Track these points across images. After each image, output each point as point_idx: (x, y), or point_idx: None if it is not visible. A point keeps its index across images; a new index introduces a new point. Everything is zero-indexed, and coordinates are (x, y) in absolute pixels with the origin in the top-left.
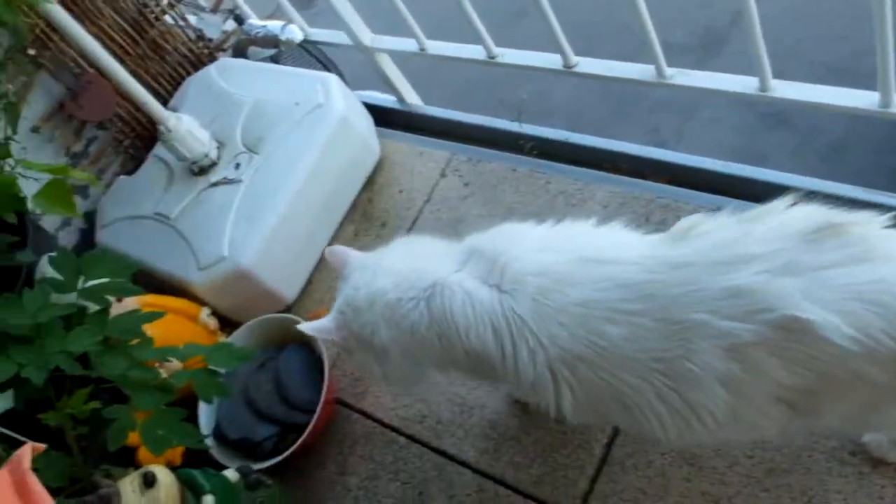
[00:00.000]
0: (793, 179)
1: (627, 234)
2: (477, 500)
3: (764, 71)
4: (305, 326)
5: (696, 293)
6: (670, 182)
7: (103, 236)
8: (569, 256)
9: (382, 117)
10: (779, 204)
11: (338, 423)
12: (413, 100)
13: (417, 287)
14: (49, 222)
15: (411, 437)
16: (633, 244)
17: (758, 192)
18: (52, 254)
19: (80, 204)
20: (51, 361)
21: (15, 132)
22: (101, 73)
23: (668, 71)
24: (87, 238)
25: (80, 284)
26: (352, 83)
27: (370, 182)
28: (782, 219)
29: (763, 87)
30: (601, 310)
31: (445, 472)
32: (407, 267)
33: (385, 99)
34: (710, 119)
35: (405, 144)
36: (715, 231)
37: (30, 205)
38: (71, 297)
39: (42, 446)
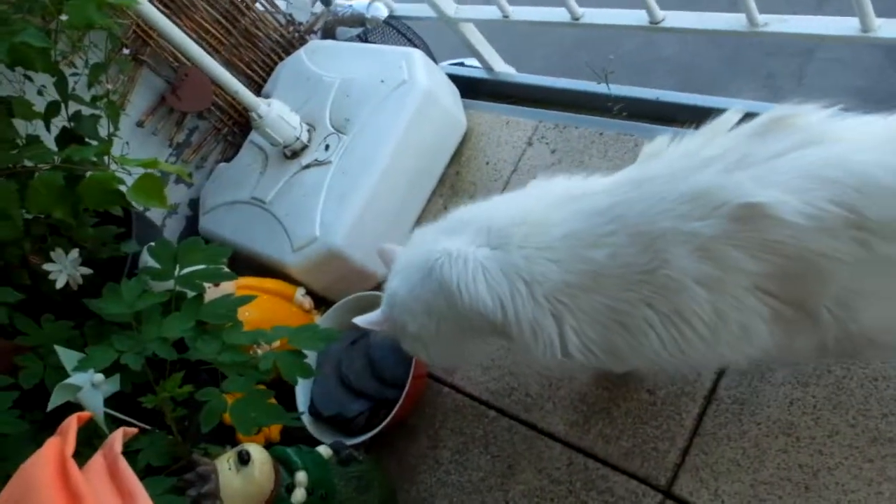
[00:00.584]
0: None
1: (601, 177)
2: (566, 473)
3: (865, 11)
4: (359, 320)
5: (660, 203)
6: None
7: (206, 222)
8: (546, 203)
9: (471, 88)
10: (730, 114)
11: (429, 397)
12: (501, 68)
13: (421, 271)
14: (156, 212)
15: (501, 411)
16: (605, 180)
17: None
18: (152, 244)
19: (185, 192)
20: (148, 348)
21: (117, 129)
22: (195, 65)
23: (762, 18)
24: (192, 225)
25: (176, 272)
26: (446, 54)
27: (457, 154)
28: (728, 124)
29: (865, 27)
30: (582, 238)
31: (535, 445)
32: (411, 259)
33: (472, 69)
34: (831, 59)
35: (491, 115)
36: (675, 148)
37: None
38: (168, 285)
39: (134, 430)
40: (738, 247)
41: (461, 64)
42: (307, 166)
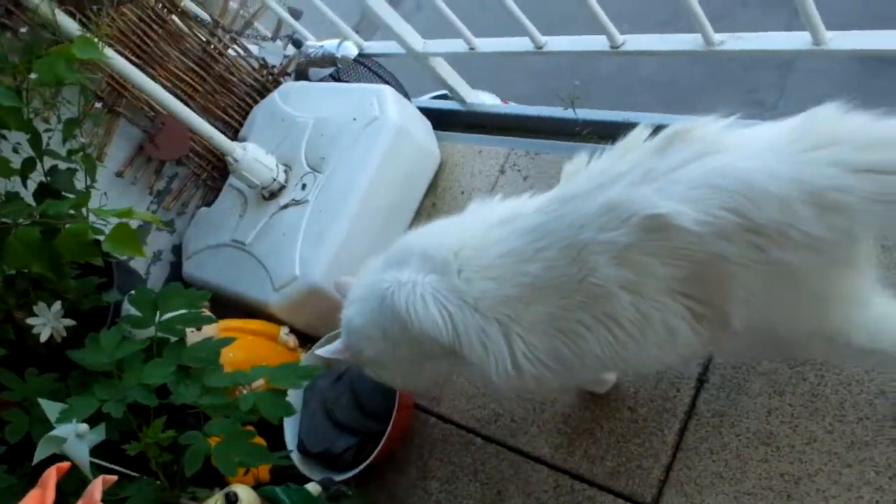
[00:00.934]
0: None
1: (529, 199)
2: (554, 496)
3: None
4: (321, 351)
5: (582, 217)
6: None
7: (189, 268)
8: (483, 226)
9: (446, 120)
10: (639, 130)
11: (416, 427)
12: (473, 98)
13: (374, 300)
14: (140, 260)
15: (487, 438)
16: (535, 201)
17: None
18: (132, 292)
19: (167, 239)
20: (129, 395)
21: (94, 181)
22: (170, 114)
23: (717, 37)
24: (176, 271)
25: (157, 318)
26: (427, 86)
27: (433, 186)
28: (636, 141)
29: (817, 40)
30: (518, 255)
31: (522, 469)
32: (364, 288)
33: (444, 102)
34: (811, 71)
35: (465, 145)
36: (593, 166)
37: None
38: (150, 332)
39: (114, 478)
40: (650, 254)
41: (445, 96)
42: (285, 206)
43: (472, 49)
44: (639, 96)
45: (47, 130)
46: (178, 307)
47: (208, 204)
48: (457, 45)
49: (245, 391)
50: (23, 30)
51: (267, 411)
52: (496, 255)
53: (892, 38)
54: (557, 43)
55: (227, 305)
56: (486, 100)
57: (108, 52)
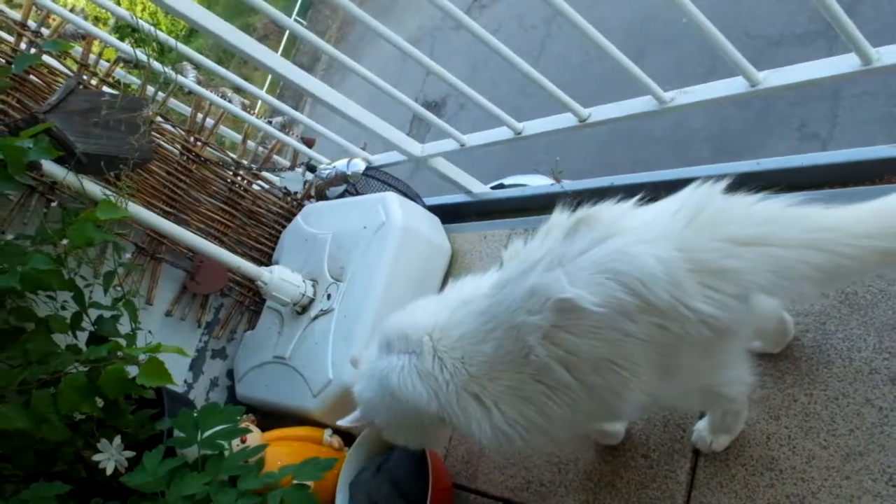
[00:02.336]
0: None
1: (491, 274)
2: None
3: (745, 68)
4: (342, 421)
5: (515, 301)
6: None
7: (241, 388)
8: (449, 308)
9: (458, 213)
10: (557, 216)
11: None
12: (478, 189)
13: (375, 381)
14: (200, 388)
15: None
16: (489, 281)
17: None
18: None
19: (222, 365)
20: None
21: (137, 324)
22: (197, 252)
23: (667, 95)
24: (233, 393)
25: (199, 436)
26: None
27: (448, 276)
28: (555, 226)
29: (752, 82)
30: (474, 337)
31: None
32: (369, 369)
33: (453, 196)
34: (859, 94)
35: (472, 233)
36: (523, 250)
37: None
38: (194, 450)
39: None
40: (570, 332)
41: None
42: (315, 317)
43: (462, 145)
44: (695, 150)
45: (87, 286)
46: (217, 424)
47: (253, 327)
48: (449, 145)
49: None
50: (54, 204)
51: None
52: (457, 337)
53: None
54: (533, 126)
55: (279, 417)
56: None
57: (135, 207)
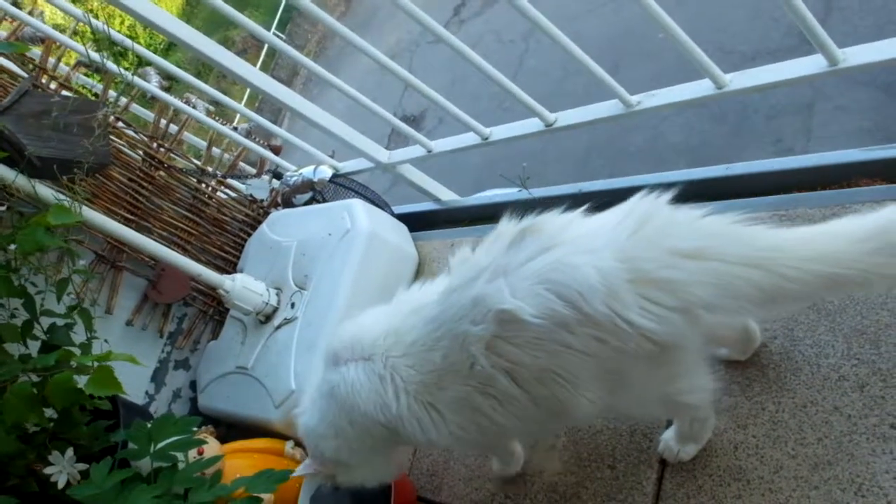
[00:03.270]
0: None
1: (441, 280)
2: None
3: (711, 71)
4: (297, 471)
5: (460, 311)
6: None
7: (203, 399)
8: (401, 315)
9: (427, 220)
10: (504, 224)
11: None
12: (447, 196)
13: (322, 398)
14: (162, 399)
15: None
16: (438, 288)
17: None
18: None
19: (184, 376)
20: None
21: (92, 332)
22: (154, 258)
23: (633, 98)
24: (196, 405)
25: (152, 448)
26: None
27: (416, 282)
28: (502, 234)
29: (719, 84)
30: (424, 344)
31: None
32: (311, 394)
33: (421, 204)
34: (832, 109)
35: (439, 241)
36: (468, 258)
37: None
38: (147, 462)
39: None
40: (512, 343)
41: None
42: (279, 326)
43: (429, 151)
44: (672, 164)
45: (39, 293)
46: (171, 435)
47: (217, 337)
48: (416, 151)
49: None
50: (1, 208)
51: None
52: (409, 344)
53: None
54: (500, 132)
55: (244, 430)
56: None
57: (91, 213)
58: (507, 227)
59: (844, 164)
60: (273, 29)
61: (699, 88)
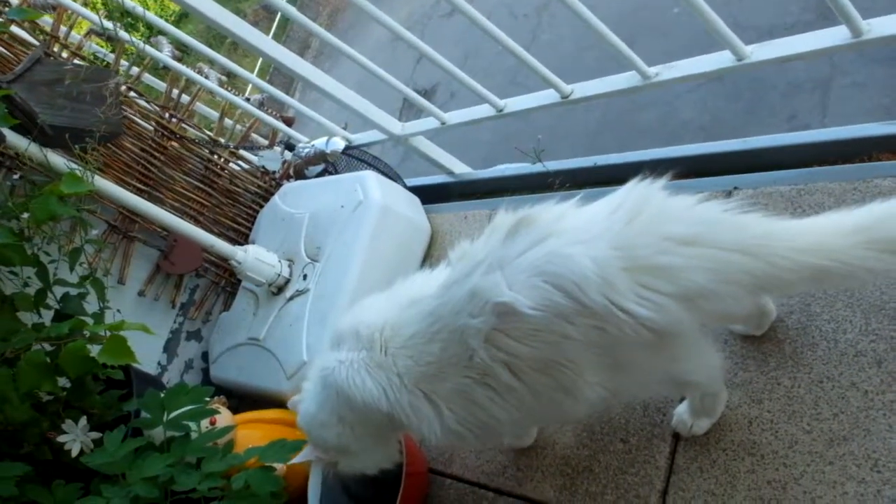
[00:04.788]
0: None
1: (440, 272)
2: None
3: (732, 42)
4: (297, 458)
5: (458, 304)
6: (685, 177)
7: (215, 370)
8: (399, 306)
9: (440, 193)
10: (500, 216)
11: (433, 491)
12: (461, 169)
13: (322, 385)
14: (174, 369)
15: (498, 490)
16: (437, 280)
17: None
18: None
19: (196, 347)
20: (132, 490)
21: (105, 302)
22: (168, 229)
23: (651, 70)
24: (208, 376)
25: (165, 417)
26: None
27: (428, 256)
28: (497, 226)
29: (739, 56)
30: (423, 337)
31: None
32: (313, 382)
33: (435, 177)
34: (849, 85)
35: (452, 214)
36: (467, 251)
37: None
38: (160, 431)
39: None
40: (510, 336)
41: None
42: (291, 298)
43: (443, 123)
44: (685, 141)
45: (52, 262)
46: (184, 404)
47: (229, 309)
48: (430, 123)
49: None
50: (15, 176)
51: (257, 487)
52: (408, 336)
53: None
54: (515, 103)
55: (255, 401)
56: None
57: (103, 182)
58: (502, 218)
59: (864, 137)
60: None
61: (720, 60)
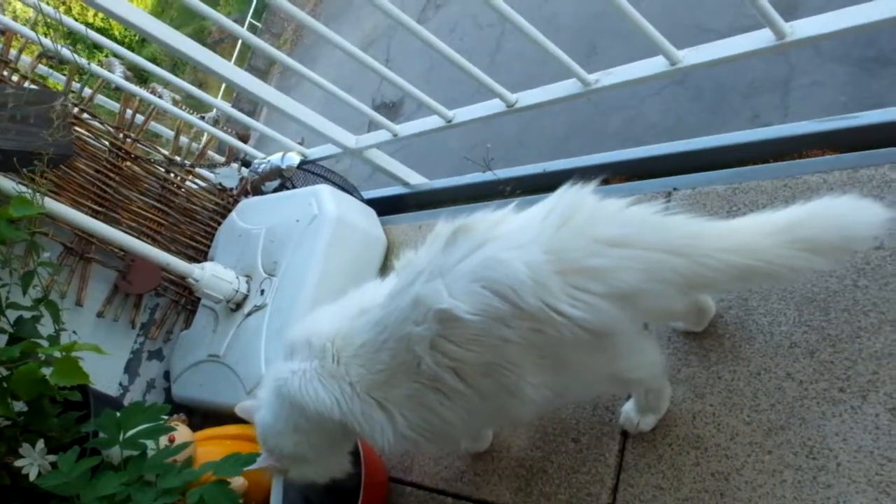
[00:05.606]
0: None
1: (389, 281)
2: None
3: (664, 47)
4: (252, 466)
5: (403, 312)
6: (628, 180)
7: (176, 389)
8: (350, 316)
9: (397, 204)
10: (440, 225)
11: (393, 499)
12: (416, 180)
13: (275, 395)
14: (137, 389)
15: (456, 496)
16: (385, 289)
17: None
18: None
19: (158, 366)
20: None
21: (60, 324)
22: (127, 251)
23: (591, 77)
24: (170, 395)
25: (121, 437)
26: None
27: (385, 268)
28: (438, 235)
29: (672, 60)
30: (372, 345)
31: None
32: (267, 391)
33: (390, 189)
34: (808, 85)
35: (407, 224)
36: (411, 260)
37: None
38: (117, 451)
39: None
40: (453, 342)
41: None
42: (249, 314)
43: (395, 135)
44: (651, 142)
45: (4, 286)
46: (140, 423)
47: (189, 327)
48: (382, 136)
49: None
50: None
51: (213, 502)
52: (358, 345)
53: (861, 14)
54: (464, 114)
55: (218, 417)
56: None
57: (54, 204)
58: (442, 227)
59: (797, 136)
60: (249, 17)
61: (654, 65)
